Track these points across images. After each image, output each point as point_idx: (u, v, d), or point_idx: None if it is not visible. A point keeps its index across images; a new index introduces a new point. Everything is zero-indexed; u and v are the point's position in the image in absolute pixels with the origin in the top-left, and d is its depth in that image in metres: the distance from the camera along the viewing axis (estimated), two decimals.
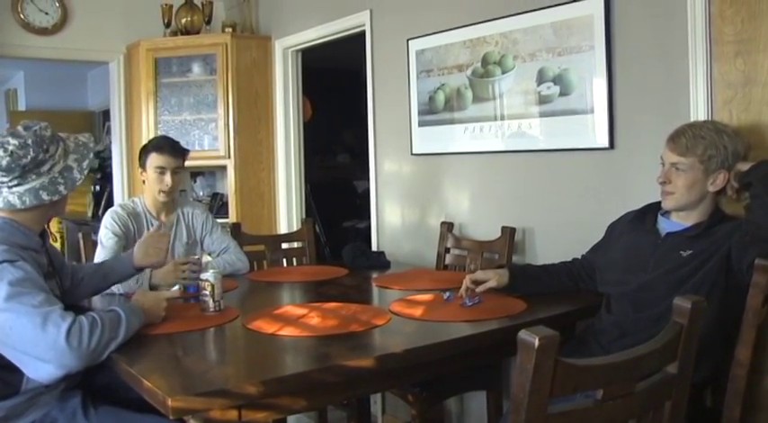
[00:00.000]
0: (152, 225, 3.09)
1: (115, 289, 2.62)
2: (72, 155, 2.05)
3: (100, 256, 2.91)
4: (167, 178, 3.05)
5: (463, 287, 2.41)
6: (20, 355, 1.82)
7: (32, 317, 1.78)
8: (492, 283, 2.42)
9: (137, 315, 2.00)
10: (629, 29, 2.65)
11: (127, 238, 3.00)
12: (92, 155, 2.11)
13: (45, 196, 1.97)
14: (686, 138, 2.09)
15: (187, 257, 2.73)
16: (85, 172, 2.05)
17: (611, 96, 2.71)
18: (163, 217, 3.16)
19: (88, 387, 2.08)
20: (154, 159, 3.04)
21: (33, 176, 1.96)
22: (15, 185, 1.95)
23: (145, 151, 3.10)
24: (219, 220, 4.79)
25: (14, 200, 1.94)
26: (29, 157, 1.93)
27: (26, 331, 1.78)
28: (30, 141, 1.94)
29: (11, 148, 1.91)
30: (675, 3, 2.46)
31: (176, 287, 2.55)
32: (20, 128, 1.98)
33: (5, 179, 1.94)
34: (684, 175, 2.09)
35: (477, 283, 2.43)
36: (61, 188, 2.00)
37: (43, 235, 2.12)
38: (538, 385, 1.23)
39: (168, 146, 3.09)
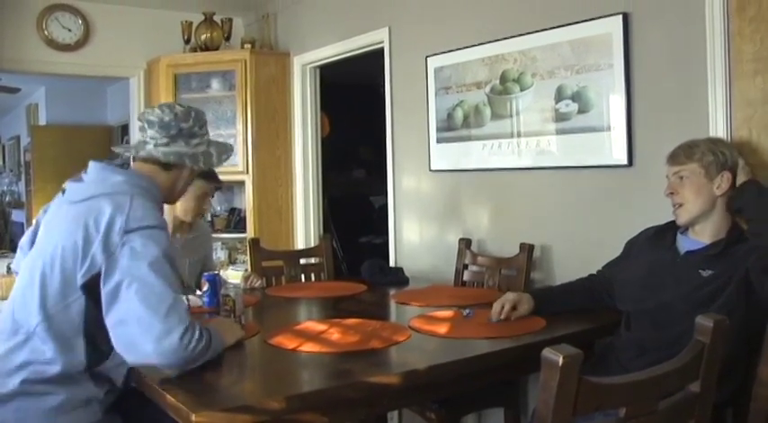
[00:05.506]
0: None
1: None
2: (214, 146, 2.16)
3: None
4: (209, 203, 3.08)
5: (497, 308, 2.37)
6: (131, 320, 1.76)
7: (166, 292, 1.78)
8: (523, 311, 2.39)
9: (221, 341, 1.97)
10: (648, 47, 2.66)
11: None
12: (229, 155, 2.21)
13: (187, 161, 2.07)
14: (682, 149, 2.20)
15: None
16: (220, 163, 2.17)
17: (630, 114, 2.72)
18: (178, 235, 3.13)
19: (127, 412, 2.04)
20: (201, 184, 2.92)
21: (182, 143, 2.06)
22: (163, 145, 2.05)
23: None
24: (237, 236, 4.82)
25: (158, 154, 2.04)
26: (189, 123, 2.07)
27: (151, 303, 1.76)
28: (192, 114, 2.10)
29: (177, 110, 2.08)
30: (694, 21, 2.47)
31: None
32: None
33: (158, 136, 2.05)
34: (689, 181, 2.15)
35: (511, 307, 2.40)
36: (201, 162, 2.10)
37: None
38: (561, 403, 1.24)
39: (214, 172, 2.98)
